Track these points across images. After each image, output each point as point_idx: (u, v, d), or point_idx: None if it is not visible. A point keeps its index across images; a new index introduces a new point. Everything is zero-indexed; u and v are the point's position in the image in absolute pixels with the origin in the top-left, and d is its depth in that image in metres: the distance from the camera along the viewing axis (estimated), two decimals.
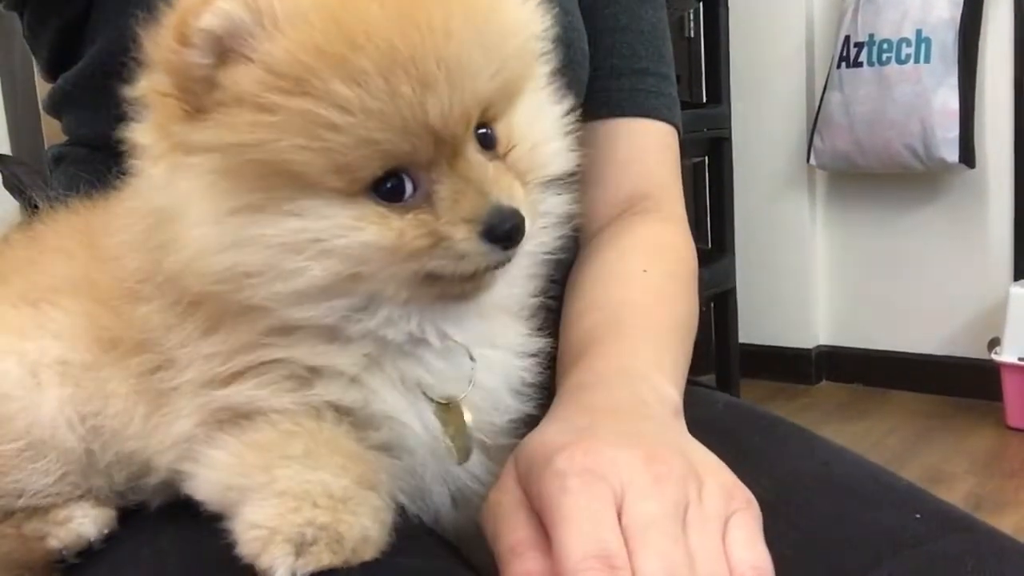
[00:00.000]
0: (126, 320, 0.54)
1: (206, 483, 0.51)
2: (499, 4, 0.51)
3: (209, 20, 0.45)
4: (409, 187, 0.48)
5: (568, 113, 0.58)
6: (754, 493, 0.52)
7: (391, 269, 0.49)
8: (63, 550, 0.55)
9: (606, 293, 0.73)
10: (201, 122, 0.47)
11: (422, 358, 0.54)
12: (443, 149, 0.48)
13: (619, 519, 0.47)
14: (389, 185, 0.48)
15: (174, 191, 0.49)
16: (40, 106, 1.51)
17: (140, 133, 0.51)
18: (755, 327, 2.87)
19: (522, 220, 0.49)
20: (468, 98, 0.48)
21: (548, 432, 0.55)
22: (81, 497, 0.56)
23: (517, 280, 0.57)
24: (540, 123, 0.55)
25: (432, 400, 0.54)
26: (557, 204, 0.58)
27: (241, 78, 0.46)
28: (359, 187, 0.47)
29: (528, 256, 0.57)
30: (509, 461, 0.55)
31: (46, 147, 1.51)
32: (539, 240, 0.57)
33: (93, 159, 0.81)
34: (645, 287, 0.74)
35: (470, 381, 0.55)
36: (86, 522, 0.55)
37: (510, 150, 0.52)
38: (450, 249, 0.48)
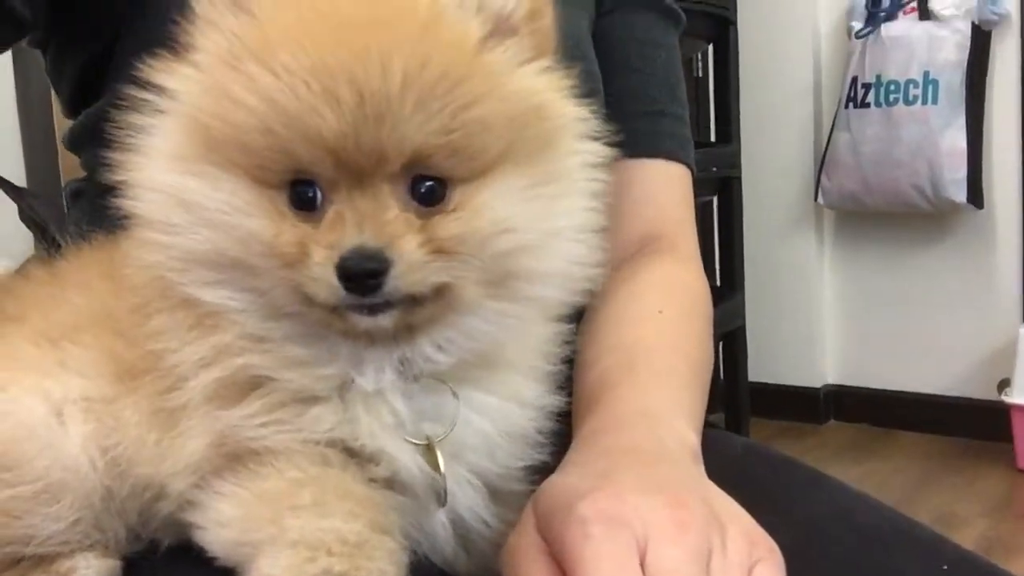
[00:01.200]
0: (139, 342, 0.54)
1: (217, 540, 0.51)
2: (493, 68, 0.51)
3: None
4: (319, 201, 0.50)
5: (585, 213, 0.55)
6: (775, 539, 0.51)
7: (272, 271, 0.49)
8: None
9: (621, 335, 0.73)
10: (170, 72, 0.53)
11: (384, 396, 0.53)
12: (345, 172, 0.48)
13: (642, 566, 0.46)
14: (308, 193, 0.49)
15: (140, 127, 0.54)
16: (57, 140, 1.53)
17: None
18: (763, 366, 2.86)
19: (381, 270, 0.47)
20: (385, 136, 0.48)
21: (568, 477, 0.55)
22: (87, 548, 0.55)
23: (461, 348, 0.53)
24: (506, 205, 0.51)
25: (407, 440, 0.53)
26: (546, 294, 0.55)
27: (206, 43, 0.51)
28: (274, 182, 0.50)
29: (485, 333, 0.53)
30: (528, 506, 0.54)
31: (63, 181, 1.52)
32: (507, 323, 0.54)
33: (113, 195, 0.82)
34: (660, 328, 0.73)
35: (452, 423, 0.54)
36: (89, 573, 0.55)
37: (444, 214, 0.50)
38: (307, 268, 0.48)
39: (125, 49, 0.76)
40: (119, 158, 0.53)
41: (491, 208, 0.51)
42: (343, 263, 0.47)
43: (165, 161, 0.52)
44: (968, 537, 2.17)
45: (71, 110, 0.84)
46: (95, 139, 0.81)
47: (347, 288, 0.47)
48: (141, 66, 0.53)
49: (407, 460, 0.53)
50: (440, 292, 0.50)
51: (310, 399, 0.52)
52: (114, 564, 0.56)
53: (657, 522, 0.47)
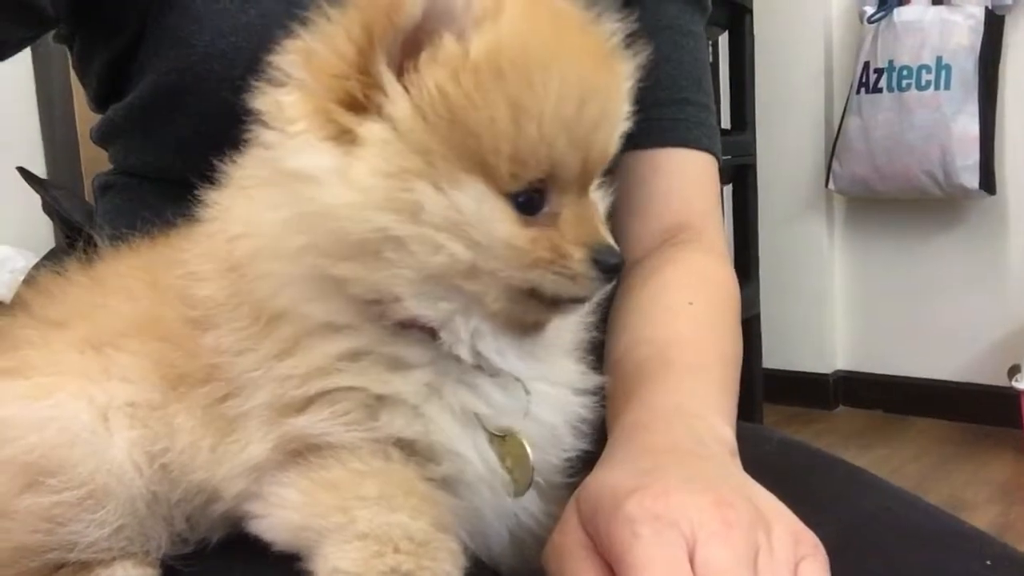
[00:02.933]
0: (191, 351, 0.54)
1: (279, 523, 0.51)
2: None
3: None
4: (543, 205, 0.53)
5: None
6: (819, 538, 0.51)
7: (506, 272, 0.51)
8: None
9: (652, 327, 0.72)
10: (379, 101, 0.49)
11: (479, 388, 0.54)
12: (581, 182, 0.53)
13: (690, 565, 0.46)
14: (526, 198, 0.52)
15: (320, 159, 0.50)
16: (78, 133, 1.52)
17: (286, 105, 0.51)
18: (773, 351, 2.86)
19: (623, 260, 0.53)
20: (612, 148, 0.55)
21: (611, 474, 0.55)
22: (126, 556, 0.55)
23: (558, 329, 0.59)
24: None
25: (488, 432, 0.54)
26: None
27: (454, 50, 0.49)
28: (507, 189, 0.51)
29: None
30: (571, 503, 0.54)
31: (84, 173, 1.52)
32: None
33: (141, 188, 0.81)
34: (692, 321, 0.73)
35: (525, 414, 0.55)
36: None
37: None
38: (566, 268, 0.52)
39: (151, 44, 0.75)
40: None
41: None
42: (605, 258, 0.52)
43: (382, 179, 0.49)
44: (979, 523, 2.14)
45: (98, 104, 0.83)
46: (124, 133, 0.81)
47: (605, 280, 0.53)
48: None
49: (475, 456, 0.54)
50: None
51: (380, 404, 0.52)
52: (153, 573, 0.56)
53: (705, 521, 0.48)
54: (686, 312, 0.74)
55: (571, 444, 0.59)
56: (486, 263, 0.51)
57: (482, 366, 0.54)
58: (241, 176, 0.54)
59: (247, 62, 0.59)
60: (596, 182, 0.56)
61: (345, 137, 0.50)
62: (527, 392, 0.55)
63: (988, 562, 0.57)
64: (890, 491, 0.68)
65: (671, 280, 0.78)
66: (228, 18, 0.71)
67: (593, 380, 0.60)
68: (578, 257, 0.52)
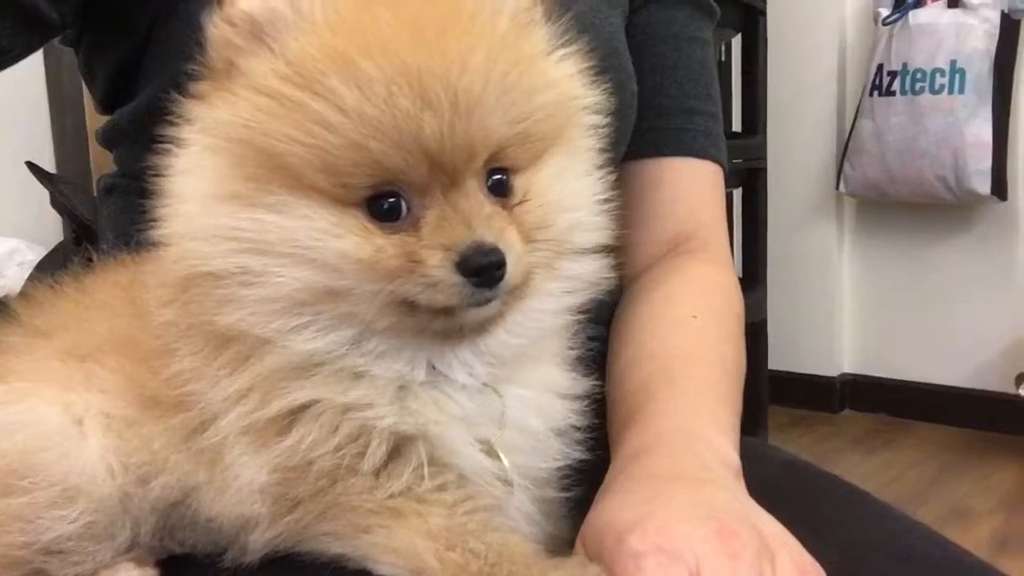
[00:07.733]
0: (165, 379, 0.53)
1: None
2: (534, 58, 0.52)
3: (251, 4, 0.48)
4: (404, 209, 0.49)
5: (605, 185, 0.57)
6: (822, 565, 0.51)
7: (367, 287, 0.48)
8: None
9: (656, 340, 0.72)
10: (210, 102, 0.50)
11: (442, 399, 0.53)
12: (439, 176, 0.48)
13: None
14: (385, 205, 0.48)
15: (177, 169, 0.50)
16: (88, 132, 1.52)
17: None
18: (779, 353, 2.85)
19: (502, 261, 0.48)
20: (475, 132, 0.48)
21: (613, 507, 0.54)
22: (128, 558, 0.55)
23: (530, 331, 0.55)
24: (562, 186, 0.54)
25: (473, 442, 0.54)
26: (586, 270, 0.57)
27: (260, 66, 0.48)
28: (353, 199, 0.48)
29: (547, 314, 0.56)
30: (577, 541, 0.54)
31: (93, 168, 1.52)
32: (560, 302, 0.57)
33: (144, 192, 0.81)
34: (696, 334, 0.73)
35: (500, 422, 0.54)
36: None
37: (521, 203, 0.52)
38: (424, 275, 0.47)
39: (158, 49, 0.75)
40: (157, 210, 0.52)
41: (555, 192, 0.53)
42: (466, 261, 0.47)
43: (217, 203, 0.49)
44: (983, 532, 2.16)
45: (104, 108, 0.83)
46: (129, 138, 0.81)
47: (475, 284, 0.48)
48: (169, 96, 0.51)
49: (478, 459, 0.53)
50: (526, 279, 0.51)
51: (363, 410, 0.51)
52: (152, 573, 0.55)
53: (709, 553, 0.47)
54: (690, 325, 0.73)
55: (559, 451, 0.58)
56: (339, 282, 0.48)
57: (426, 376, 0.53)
58: None
59: None
60: (481, 173, 0.50)
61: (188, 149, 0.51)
62: (499, 395, 0.54)
63: None
64: (894, 517, 0.67)
65: (675, 292, 0.78)
66: None
67: (581, 385, 0.59)
68: (433, 262, 0.47)
